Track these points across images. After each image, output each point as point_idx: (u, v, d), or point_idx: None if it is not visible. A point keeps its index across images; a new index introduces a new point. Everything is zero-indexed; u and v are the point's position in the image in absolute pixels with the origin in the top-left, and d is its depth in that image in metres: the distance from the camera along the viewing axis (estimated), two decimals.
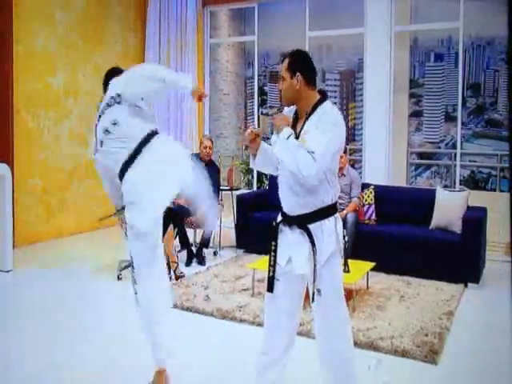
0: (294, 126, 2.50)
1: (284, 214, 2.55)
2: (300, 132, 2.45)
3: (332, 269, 2.48)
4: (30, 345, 3.60)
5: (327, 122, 2.38)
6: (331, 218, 2.48)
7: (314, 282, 2.45)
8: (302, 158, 2.29)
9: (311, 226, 2.45)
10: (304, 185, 2.40)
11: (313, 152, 2.29)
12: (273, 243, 2.54)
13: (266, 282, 2.60)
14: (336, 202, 2.52)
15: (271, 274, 2.54)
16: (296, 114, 2.55)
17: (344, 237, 4.31)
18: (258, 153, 2.55)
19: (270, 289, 2.55)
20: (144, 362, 3.29)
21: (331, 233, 2.46)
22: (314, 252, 2.42)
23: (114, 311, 4.31)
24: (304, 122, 2.46)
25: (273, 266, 2.53)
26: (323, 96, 2.49)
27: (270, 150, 2.57)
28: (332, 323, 2.51)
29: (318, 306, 2.53)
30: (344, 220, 5.30)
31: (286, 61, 2.46)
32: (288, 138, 2.37)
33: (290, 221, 2.51)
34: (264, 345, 2.64)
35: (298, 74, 2.43)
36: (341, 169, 5.55)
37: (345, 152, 5.72)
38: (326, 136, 2.33)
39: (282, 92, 2.51)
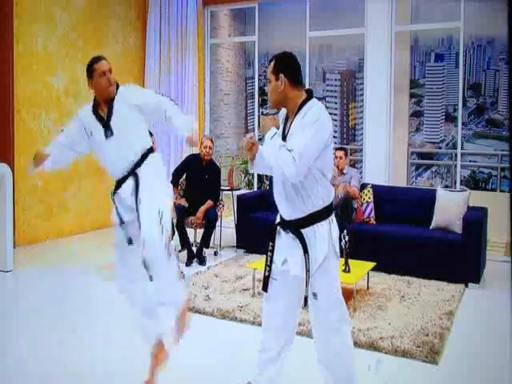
0: (284, 127, 2.54)
1: (281, 217, 2.57)
2: (287, 132, 2.49)
3: (327, 272, 2.48)
4: (30, 345, 3.60)
5: (308, 119, 2.40)
6: (324, 222, 2.48)
7: (307, 286, 2.47)
8: (283, 156, 2.33)
9: (304, 231, 2.47)
10: (293, 185, 2.43)
11: (290, 149, 2.33)
12: (270, 244, 2.58)
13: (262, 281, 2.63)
14: (330, 204, 2.52)
15: (267, 273, 2.57)
16: (287, 115, 2.58)
17: (344, 237, 4.34)
18: (256, 158, 2.59)
19: (265, 288, 2.59)
20: (143, 363, 3.29)
21: (324, 237, 2.47)
22: (307, 257, 2.43)
23: (114, 311, 4.30)
24: (291, 123, 2.49)
25: (269, 265, 2.56)
26: (309, 95, 2.51)
27: (267, 154, 2.60)
28: (329, 325, 2.52)
29: (314, 309, 2.54)
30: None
31: (271, 64, 2.51)
32: (272, 137, 2.42)
33: (285, 224, 2.54)
34: (262, 342, 2.68)
35: (281, 75, 2.46)
36: (341, 169, 5.78)
37: (345, 154, 5.92)
38: (305, 134, 2.36)
39: (270, 95, 2.55)
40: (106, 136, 2.92)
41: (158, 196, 2.85)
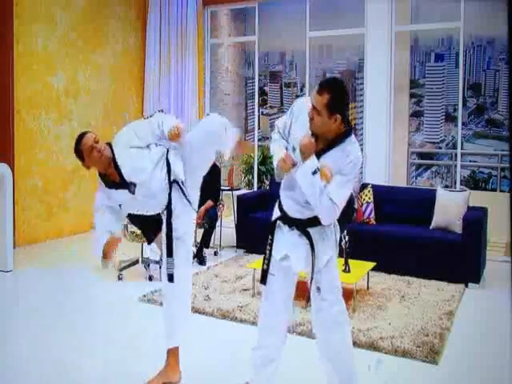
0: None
1: (284, 213, 2.56)
2: (319, 157, 2.37)
3: (330, 271, 2.52)
4: (30, 345, 3.60)
5: (349, 167, 2.35)
6: (331, 225, 2.53)
7: (311, 283, 2.50)
8: (325, 204, 2.32)
9: (311, 230, 2.47)
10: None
11: (333, 201, 2.32)
12: (269, 237, 2.58)
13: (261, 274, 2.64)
14: None
15: (265, 267, 2.58)
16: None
17: (344, 237, 4.34)
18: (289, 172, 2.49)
19: (263, 281, 2.60)
20: (143, 363, 3.29)
21: (330, 238, 2.51)
22: (313, 256, 2.44)
23: (114, 311, 4.31)
24: (325, 149, 2.38)
25: (268, 259, 2.56)
26: (348, 127, 2.40)
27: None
28: (332, 319, 2.54)
29: (317, 303, 2.55)
30: None
31: (326, 96, 2.26)
32: (314, 173, 2.30)
33: (290, 221, 2.52)
34: (260, 340, 2.67)
35: (337, 116, 2.29)
36: None
37: None
38: (346, 186, 2.36)
39: (314, 125, 2.34)
40: (133, 192, 2.82)
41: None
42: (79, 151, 2.86)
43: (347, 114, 2.38)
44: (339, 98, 2.29)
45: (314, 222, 2.47)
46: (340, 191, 2.33)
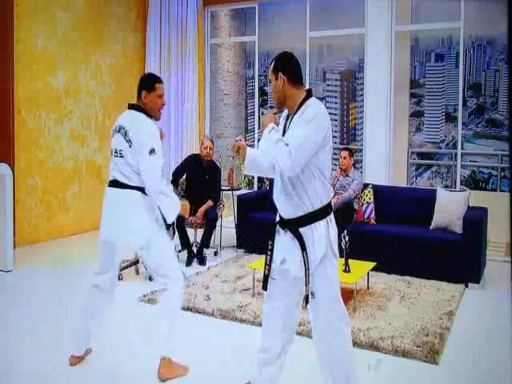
0: (284, 126, 2.59)
1: (280, 216, 2.57)
2: (287, 130, 2.53)
3: (325, 271, 2.48)
4: (30, 345, 3.60)
5: (305, 117, 2.44)
6: (322, 222, 2.48)
7: (307, 285, 2.46)
8: (279, 150, 2.38)
9: (302, 230, 2.47)
10: (291, 181, 2.45)
11: (287, 144, 2.38)
12: (270, 242, 2.58)
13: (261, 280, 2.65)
14: (328, 204, 2.52)
15: (266, 272, 2.58)
16: (288, 114, 2.63)
17: (344, 237, 4.34)
18: (245, 160, 2.64)
19: (265, 287, 2.60)
20: (144, 364, 3.29)
21: (322, 236, 2.46)
22: (305, 256, 2.43)
23: (114, 311, 4.30)
24: (290, 120, 2.54)
25: (269, 264, 2.57)
26: (308, 94, 2.55)
27: (258, 156, 2.64)
28: (328, 325, 2.51)
29: (313, 309, 2.54)
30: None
31: (272, 64, 2.58)
32: (270, 132, 2.48)
33: (284, 223, 2.54)
34: (263, 342, 2.68)
35: (280, 74, 2.53)
36: (345, 170, 5.74)
37: (350, 154, 5.82)
38: (302, 129, 2.40)
39: (273, 95, 2.62)
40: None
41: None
42: (154, 87, 3.35)
43: (297, 77, 2.55)
44: (280, 60, 2.58)
45: (305, 220, 2.46)
46: (293, 136, 2.40)
